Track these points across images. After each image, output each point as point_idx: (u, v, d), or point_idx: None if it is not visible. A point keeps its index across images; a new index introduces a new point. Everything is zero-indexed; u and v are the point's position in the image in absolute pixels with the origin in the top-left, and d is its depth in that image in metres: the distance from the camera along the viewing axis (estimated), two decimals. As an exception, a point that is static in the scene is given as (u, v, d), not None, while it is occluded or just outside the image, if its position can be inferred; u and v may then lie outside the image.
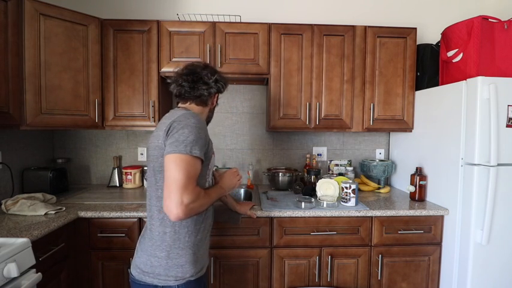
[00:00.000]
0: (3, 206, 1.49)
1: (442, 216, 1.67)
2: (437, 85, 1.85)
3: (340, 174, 2.13)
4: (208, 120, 1.27)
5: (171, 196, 0.91)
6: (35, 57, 1.56)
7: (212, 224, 1.22)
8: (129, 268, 1.14)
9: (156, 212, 1.05)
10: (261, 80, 2.03)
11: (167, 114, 1.10)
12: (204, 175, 1.09)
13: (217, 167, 2.20)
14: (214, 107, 1.27)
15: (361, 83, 1.93)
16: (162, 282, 1.02)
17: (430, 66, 1.95)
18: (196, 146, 0.97)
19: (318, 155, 2.28)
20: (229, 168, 1.21)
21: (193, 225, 1.06)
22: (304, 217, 1.61)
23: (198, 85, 1.14)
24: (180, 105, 1.19)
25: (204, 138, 1.02)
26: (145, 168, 2.15)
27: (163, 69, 1.86)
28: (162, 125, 1.04)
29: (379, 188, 2.06)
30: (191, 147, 0.95)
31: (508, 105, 1.47)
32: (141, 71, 1.86)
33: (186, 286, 1.03)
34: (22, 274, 1.06)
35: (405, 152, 2.10)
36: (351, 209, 1.62)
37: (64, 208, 1.54)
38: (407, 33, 1.92)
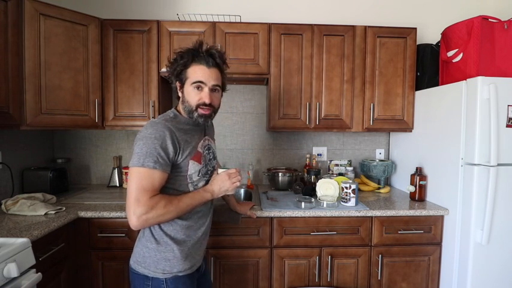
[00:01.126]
0: (3, 206, 1.49)
1: (442, 216, 1.67)
2: (437, 85, 1.85)
3: (340, 174, 2.13)
4: (187, 110, 1.08)
5: (127, 209, 0.95)
6: (35, 57, 1.56)
7: (210, 224, 1.20)
8: None
9: None
10: (261, 80, 2.03)
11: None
12: (180, 183, 1.06)
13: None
14: (183, 94, 1.09)
15: (361, 83, 1.93)
16: (151, 274, 1.03)
17: (430, 66, 1.95)
18: (150, 157, 0.94)
19: (318, 155, 2.28)
20: (228, 168, 1.16)
21: (179, 224, 1.06)
22: (304, 217, 1.61)
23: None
24: None
25: (164, 148, 0.97)
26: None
27: (164, 69, 1.86)
28: None
29: (379, 188, 2.06)
30: (144, 159, 0.94)
31: (508, 105, 1.47)
32: (141, 71, 1.86)
33: (173, 281, 1.04)
34: (22, 274, 1.06)
35: (405, 152, 2.10)
36: (351, 209, 1.62)
37: (64, 208, 1.54)
38: (407, 33, 1.92)
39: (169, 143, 0.98)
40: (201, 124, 1.12)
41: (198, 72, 1.05)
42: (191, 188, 1.09)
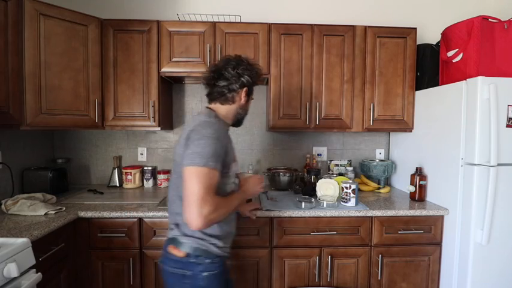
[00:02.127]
0: (3, 206, 1.49)
1: (442, 216, 1.67)
2: (437, 85, 1.85)
3: (340, 174, 2.13)
4: (240, 117, 1.22)
5: (190, 209, 0.93)
6: (35, 57, 1.56)
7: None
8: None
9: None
10: (261, 79, 2.03)
11: (191, 119, 1.12)
12: (224, 183, 1.08)
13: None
14: (247, 103, 1.20)
15: (361, 83, 1.93)
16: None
17: (430, 66, 1.95)
18: (213, 157, 0.97)
19: (318, 155, 2.28)
20: (252, 174, 1.21)
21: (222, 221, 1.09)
22: (304, 217, 1.61)
23: (219, 82, 1.12)
24: (206, 105, 1.20)
25: (221, 148, 1.02)
26: (145, 168, 2.15)
27: (163, 69, 1.86)
28: (184, 132, 1.07)
29: (379, 188, 2.06)
30: (207, 160, 0.96)
31: (508, 105, 1.47)
32: (141, 71, 1.86)
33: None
34: (22, 274, 1.06)
35: (405, 152, 2.10)
36: (351, 209, 1.62)
37: (64, 208, 1.54)
38: (407, 33, 1.92)
39: (228, 142, 1.08)
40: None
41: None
42: (232, 187, 1.14)
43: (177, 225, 1.09)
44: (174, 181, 1.10)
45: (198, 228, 0.93)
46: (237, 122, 1.23)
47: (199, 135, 0.99)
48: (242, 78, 1.13)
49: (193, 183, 0.94)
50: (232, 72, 1.11)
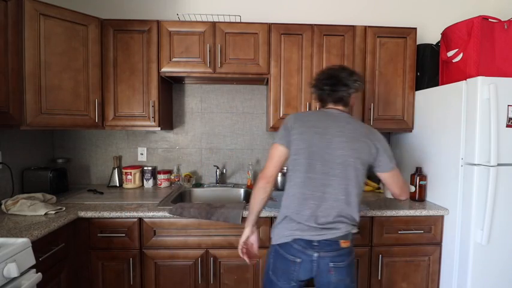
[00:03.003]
0: (3, 206, 1.49)
1: (442, 216, 1.67)
2: (437, 85, 1.85)
3: (340, 174, 2.12)
4: None
5: (405, 187, 1.26)
6: (35, 57, 1.56)
7: None
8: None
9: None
10: (261, 80, 2.03)
11: (351, 120, 1.22)
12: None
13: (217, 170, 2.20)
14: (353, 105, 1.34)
15: (361, 83, 1.93)
16: None
17: (430, 66, 1.95)
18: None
19: (318, 155, 2.28)
20: None
21: None
22: (304, 217, 1.60)
23: (338, 87, 1.21)
24: (331, 106, 1.26)
25: None
26: (145, 168, 2.15)
27: (163, 69, 1.86)
28: (350, 130, 1.18)
29: (379, 188, 2.06)
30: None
31: (508, 105, 1.47)
32: (141, 71, 1.86)
33: None
34: (22, 274, 1.06)
35: (405, 152, 2.10)
36: (351, 209, 1.62)
37: (64, 208, 1.54)
38: (407, 33, 1.92)
39: None
40: None
41: None
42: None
43: (347, 221, 1.16)
44: (345, 182, 1.14)
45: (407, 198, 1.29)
46: None
47: (384, 140, 1.21)
48: (356, 84, 1.25)
49: (400, 177, 1.23)
50: (350, 78, 1.23)
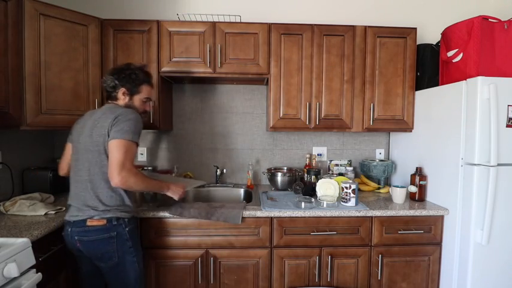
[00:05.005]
0: (1, 208, 1.49)
1: (442, 216, 1.67)
2: (437, 85, 1.85)
3: (340, 174, 2.13)
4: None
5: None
6: (35, 57, 1.56)
7: None
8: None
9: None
10: (261, 80, 2.03)
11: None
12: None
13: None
14: (130, 102, 1.42)
15: (361, 83, 1.93)
16: None
17: (430, 66, 1.95)
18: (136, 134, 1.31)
19: (318, 155, 2.28)
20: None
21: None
22: (304, 217, 1.61)
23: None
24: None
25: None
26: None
27: (164, 69, 1.86)
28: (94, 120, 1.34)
29: (379, 188, 2.06)
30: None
31: (508, 105, 1.47)
32: (141, 71, 1.85)
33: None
34: (22, 274, 1.06)
35: (405, 152, 2.10)
36: (351, 209, 1.62)
37: (64, 208, 1.54)
38: (407, 33, 1.92)
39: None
40: None
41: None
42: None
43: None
44: (90, 164, 1.27)
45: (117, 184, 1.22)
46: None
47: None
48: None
49: (121, 152, 1.23)
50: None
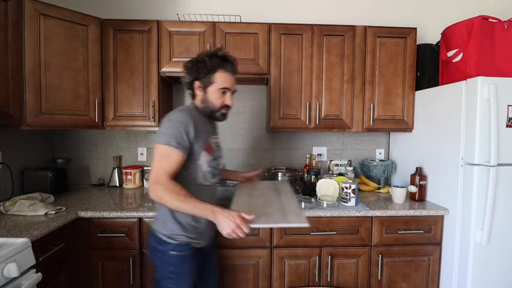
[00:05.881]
0: (1, 208, 1.49)
1: (442, 216, 1.67)
2: (437, 85, 1.85)
3: (340, 174, 2.13)
4: (208, 111, 1.22)
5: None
6: (35, 57, 1.56)
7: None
8: None
9: None
10: (261, 80, 2.03)
11: None
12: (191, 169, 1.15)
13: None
14: (205, 97, 1.20)
15: (361, 83, 1.93)
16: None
17: (430, 66, 1.95)
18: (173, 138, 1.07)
19: (318, 155, 2.28)
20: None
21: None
22: (304, 217, 1.60)
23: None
24: None
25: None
26: (145, 168, 2.15)
27: (164, 69, 1.86)
28: None
29: (379, 188, 2.06)
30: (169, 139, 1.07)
31: (508, 105, 1.47)
32: (141, 71, 1.86)
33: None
34: (22, 274, 1.06)
35: (405, 152, 2.10)
36: (351, 209, 1.62)
37: (64, 208, 1.54)
38: (407, 33, 1.92)
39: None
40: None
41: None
42: (201, 180, 1.17)
43: None
44: None
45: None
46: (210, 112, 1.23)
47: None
48: (191, 71, 1.20)
49: (155, 159, 1.06)
50: (188, 64, 1.21)
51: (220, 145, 1.33)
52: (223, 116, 1.24)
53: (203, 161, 1.15)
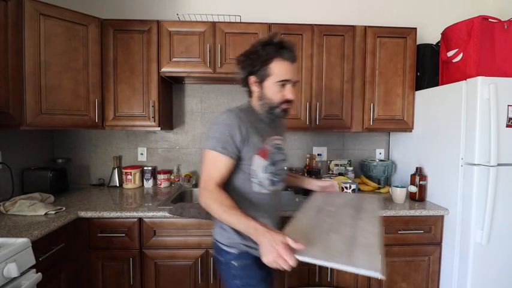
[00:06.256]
0: (1, 208, 1.49)
1: (442, 216, 1.67)
2: (437, 85, 1.85)
3: (340, 174, 2.13)
4: (266, 109, 1.08)
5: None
6: (35, 57, 1.56)
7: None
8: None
9: None
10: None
11: None
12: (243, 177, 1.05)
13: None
14: (262, 92, 1.06)
15: (361, 83, 1.93)
16: None
17: (430, 66, 1.95)
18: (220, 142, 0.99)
19: (318, 155, 2.28)
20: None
21: None
22: (304, 217, 1.60)
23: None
24: None
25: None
26: (145, 168, 2.15)
27: (164, 69, 1.86)
28: None
29: (379, 188, 2.06)
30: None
31: (508, 105, 1.47)
32: (141, 71, 1.86)
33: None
34: (22, 274, 1.06)
35: (405, 152, 2.10)
36: (351, 209, 1.62)
37: (64, 208, 1.54)
38: (407, 33, 1.92)
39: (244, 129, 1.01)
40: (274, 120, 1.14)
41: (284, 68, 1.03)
42: (256, 188, 1.06)
43: None
44: None
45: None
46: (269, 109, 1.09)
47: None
48: (244, 64, 1.06)
49: (203, 165, 1.00)
50: (241, 57, 1.07)
51: (282, 147, 1.16)
52: (285, 112, 1.07)
53: (257, 166, 1.03)
